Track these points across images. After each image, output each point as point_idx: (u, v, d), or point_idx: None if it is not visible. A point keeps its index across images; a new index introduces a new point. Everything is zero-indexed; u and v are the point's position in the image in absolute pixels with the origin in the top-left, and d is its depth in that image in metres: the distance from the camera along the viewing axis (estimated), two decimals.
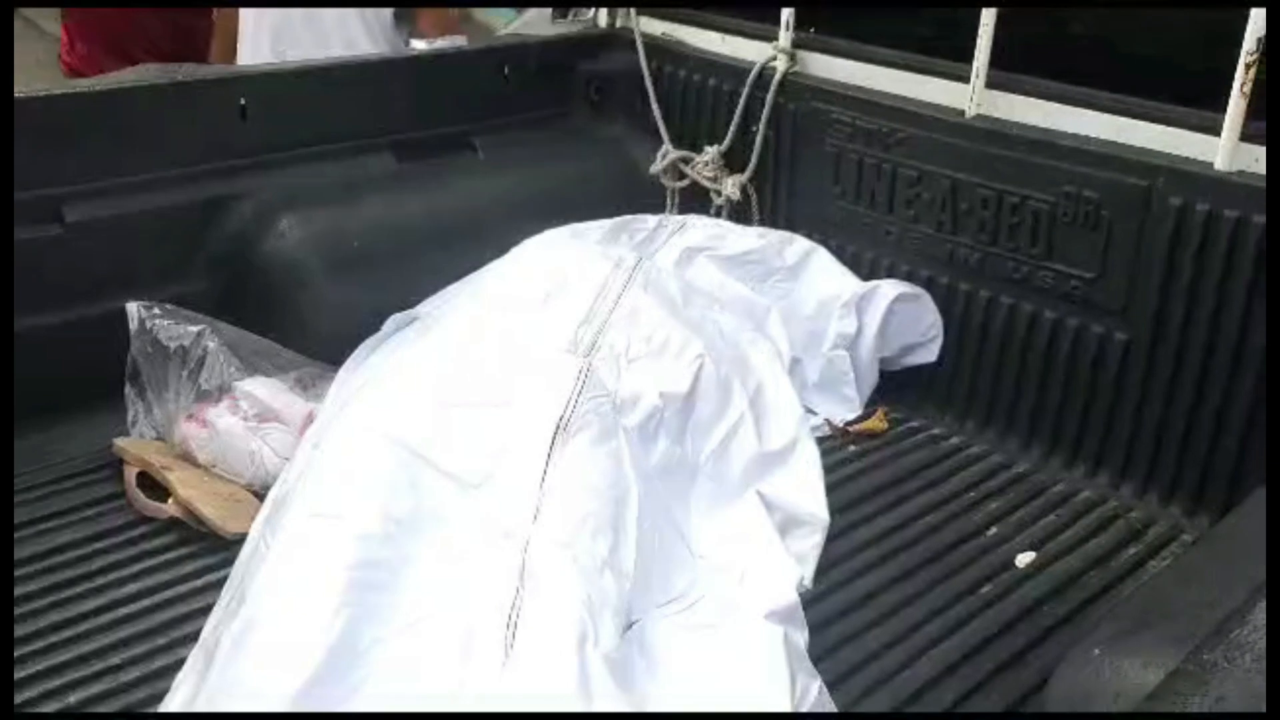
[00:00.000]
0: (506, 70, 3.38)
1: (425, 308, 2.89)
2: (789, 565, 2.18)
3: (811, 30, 3.16)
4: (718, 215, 3.36)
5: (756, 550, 2.22)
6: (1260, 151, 2.38)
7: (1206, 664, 0.95)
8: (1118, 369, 2.67)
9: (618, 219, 3.14)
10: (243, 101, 2.89)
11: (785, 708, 1.77)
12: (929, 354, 3.00)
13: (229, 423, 2.47)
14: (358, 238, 2.93)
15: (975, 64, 2.75)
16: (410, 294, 2.91)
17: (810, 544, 2.33)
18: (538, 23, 3.50)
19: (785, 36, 3.15)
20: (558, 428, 2.16)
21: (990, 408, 2.92)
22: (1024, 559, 2.45)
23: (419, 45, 3.24)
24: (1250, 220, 2.37)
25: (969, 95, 2.79)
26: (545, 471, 2.08)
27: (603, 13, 3.56)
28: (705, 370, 2.52)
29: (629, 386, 2.40)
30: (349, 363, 2.79)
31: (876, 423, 2.94)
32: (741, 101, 3.24)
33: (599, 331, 2.52)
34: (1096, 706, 1.45)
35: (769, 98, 3.17)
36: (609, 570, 1.94)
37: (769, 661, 1.85)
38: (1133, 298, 2.61)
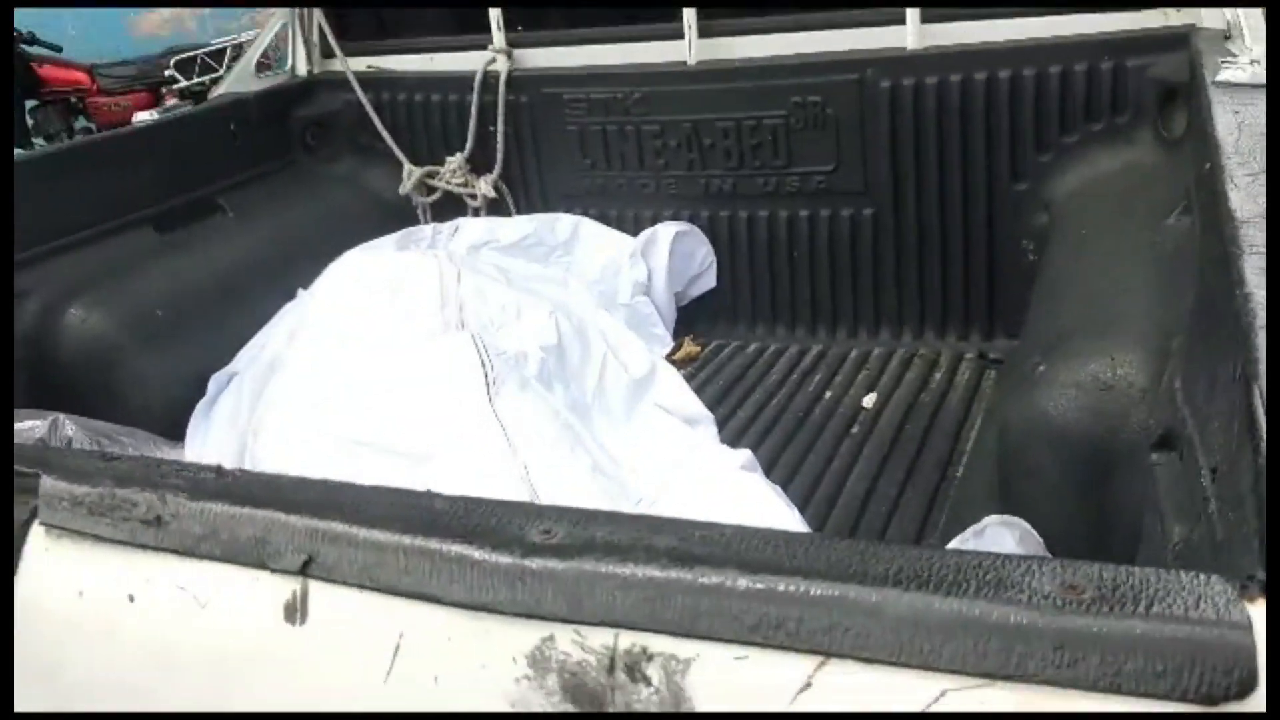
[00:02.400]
0: (233, 127, 3.37)
1: (241, 361, 2.87)
2: (716, 438, 2.45)
3: (519, 29, 3.43)
4: (476, 215, 3.54)
5: (683, 439, 2.45)
6: (937, 29, 2.95)
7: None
8: (872, 241, 3.16)
9: (397, 233, 3.26)
10: None
11: (802, 526, 2.03)
12: (710, 280, 3.36)
13: None
14: (159, 307, 2.84)
15: (685, 19, 3.15)
16: (218, 354, 2.88)
17: (710, 435, 2.60)
18: (244, 77, 3.51)
19: (499, 37, 3.40)
20: (487, 385, 2.28)
21: (774, 308, 3.33)
22: (869, 400, 2.86)
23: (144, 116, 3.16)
24: (947, 80, 2.92)
25: (686, 47, 3.18)
26: (497, 419, 2.20)
27: (301, 60, 3.62)
28: (562, 324, 2.73)
29: (511, 347, 2.56)
30: (192, 433, 2.72)
31: (690, 349, 3.26)
32: (474, 107, 3.44)
33: (459, 310, 2.66)
34: (1064, 404, 1.82)
35: (500, 97, 3.40)
36: (599, 474, 2.11)
37: (768, 497, 2.10)
38: (869, 176, 3.10)
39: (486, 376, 2.29)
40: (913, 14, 2.92)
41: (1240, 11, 2.50)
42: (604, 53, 3.33)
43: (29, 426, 2.36)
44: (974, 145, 2.95)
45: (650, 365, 2.80)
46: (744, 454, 2.28)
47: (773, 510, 2.05)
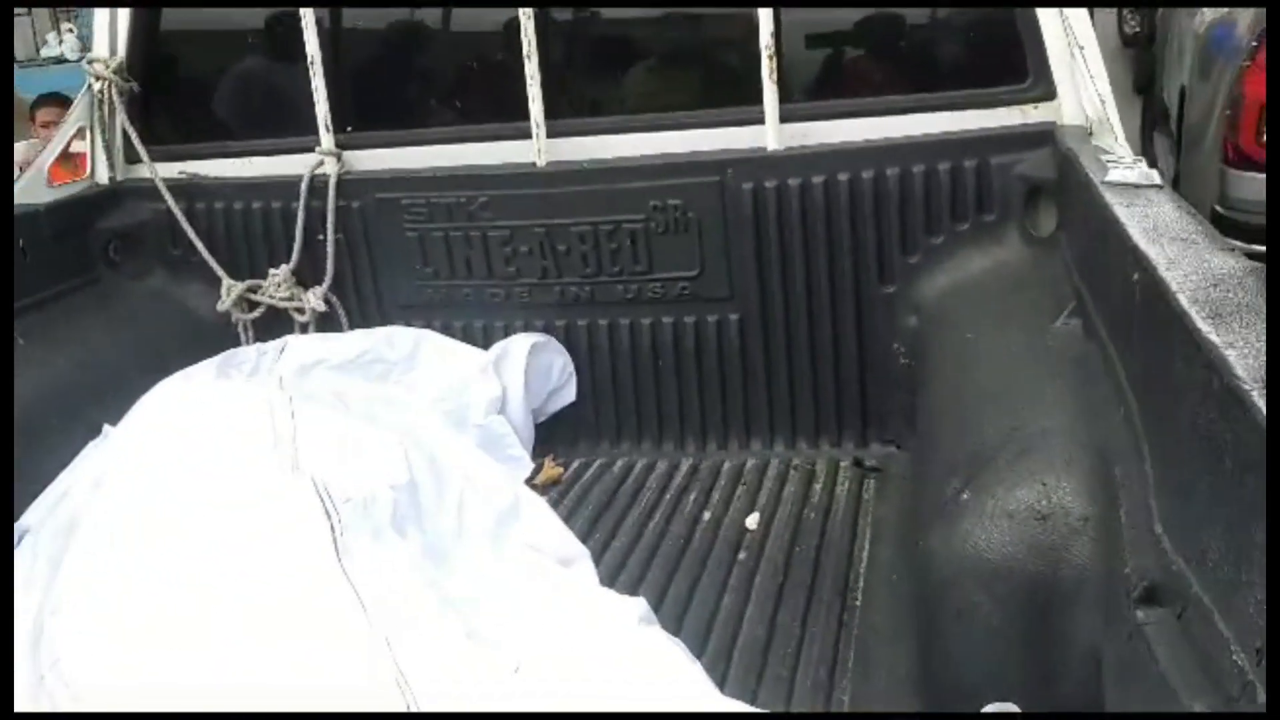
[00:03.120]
0: (22, 244, 2.96)
1: (36, 515, 2.47)
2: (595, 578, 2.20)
3: (349, 129, 3.15)
4: (305, 332, 3.21)
5: (560, 584, 2.19)
6: (797, 128, 2.84)
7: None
8: (739, 347, 2.99)
9: (217, 358, 2.92)
10: None
11: (708, 682, 1.79)
12: (569, 394, 3.13)
13: None
14: None
15: (533, 118, 2.94)
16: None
17: (587, 574, 2.34)
18: (34, 187, 3.11)
19: (328, 139, 3.11)
20: (334, 540, 1.97)
21: (639, 421, 3.11)
22: (752, 520, 2.66)
23: None
24: (810, 181, 2.81)
25: (534, 148, 2.96)
26: (349, 580, 1.89)
27: (102, 167, 3.25)
28: (412, 456, 2.44)
29: (357, 489, 2.24)
30: None
31: (552, 471, 3.00)
32: (300, 214, 3.13)
33: (294, 448, 2.33)
34: (997, 536, 1.65)
35: (330, 203, 3.10)
36: (472, 640, 1.82)
37: (668, 653, 1.85)
38: (734, 281, 2.94)
39: (333, 529, 1.99)
40: (771, 114, 2.80)
41: (1106, 107, 2.48)
42: (444, 154, 3.09)
43: None
44: (840, 247, 2.84)
45: (514, 496, 2.52)
46: (639, 604, 2.02)
47: (673, 667, 1.80)
